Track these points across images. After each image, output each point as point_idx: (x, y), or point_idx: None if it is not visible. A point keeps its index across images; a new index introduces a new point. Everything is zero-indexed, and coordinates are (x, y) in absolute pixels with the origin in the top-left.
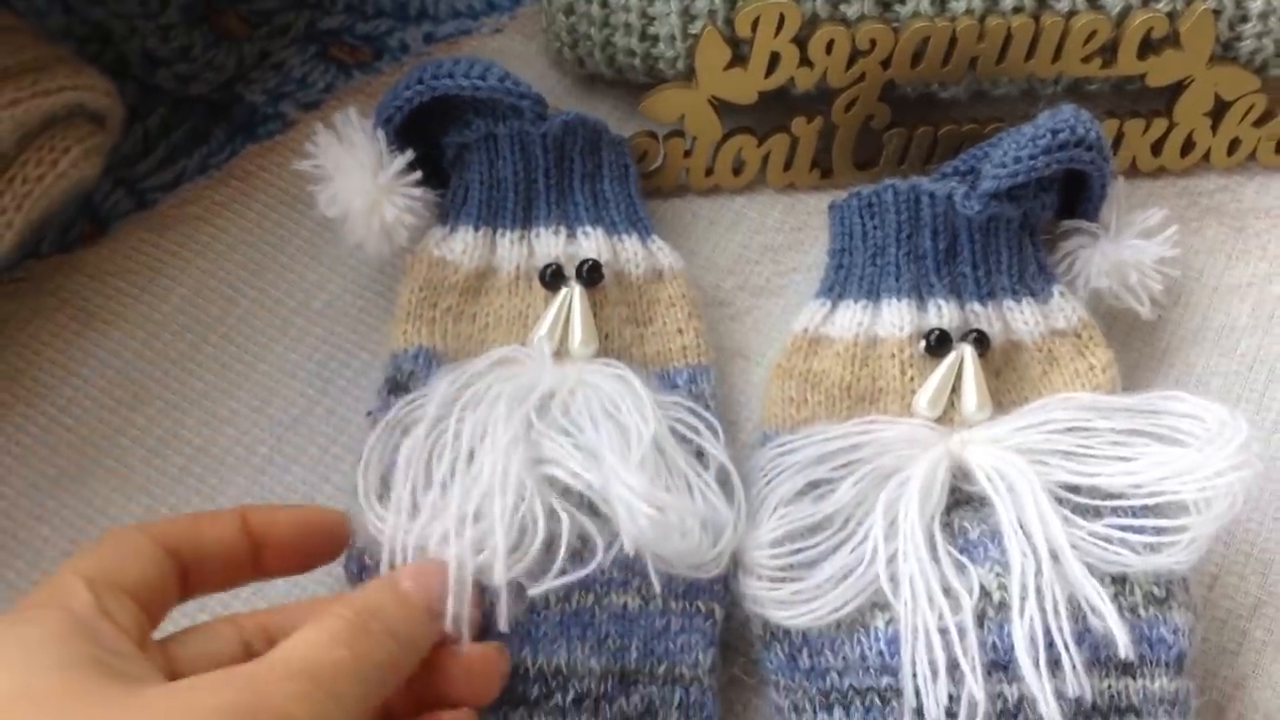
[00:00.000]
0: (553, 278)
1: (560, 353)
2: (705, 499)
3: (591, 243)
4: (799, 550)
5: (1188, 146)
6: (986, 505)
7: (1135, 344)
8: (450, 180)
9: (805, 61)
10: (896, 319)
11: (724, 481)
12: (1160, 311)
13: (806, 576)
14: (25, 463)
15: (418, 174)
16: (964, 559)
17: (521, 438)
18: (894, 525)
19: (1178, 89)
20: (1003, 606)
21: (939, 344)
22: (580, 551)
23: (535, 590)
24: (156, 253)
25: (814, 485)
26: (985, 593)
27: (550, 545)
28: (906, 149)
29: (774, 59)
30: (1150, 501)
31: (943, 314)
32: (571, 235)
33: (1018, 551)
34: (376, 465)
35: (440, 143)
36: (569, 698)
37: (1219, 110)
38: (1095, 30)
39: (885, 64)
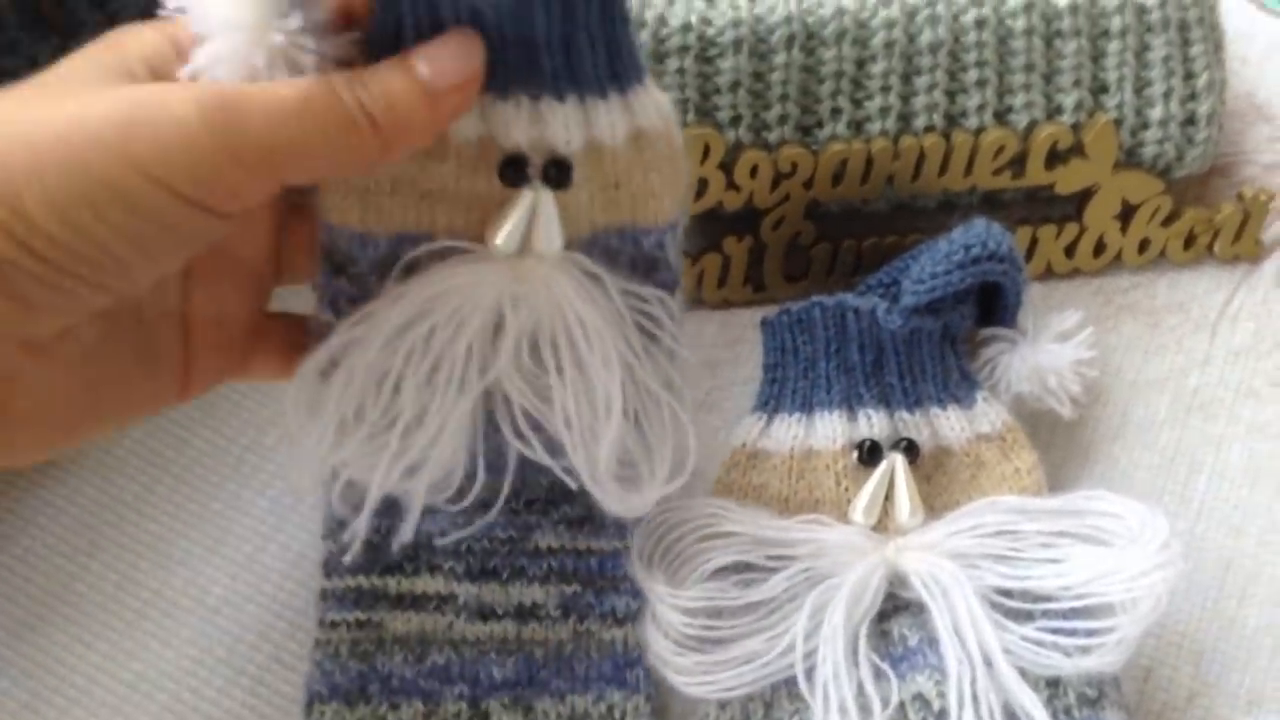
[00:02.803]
0: (514, 172)
1: (523, 251)
2: (675, 419)
3: (560, 118)
4: (712, 628)
5: (1100, 248)
6: (925, 611)
7: (1059, 442)
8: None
9: (732, 185)
10: (830, 431)
11: (672, 358)
12: (1081, 410)
13: (713, 651)
14: None
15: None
16: (885, 667)
17: (478, 397)
18: (818, 626)
19: (1086, 194)
20: (942, 714)
21: (871, 454)
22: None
23: (442, 541)
24: None
25: (746, 566)
26: (925, 701)
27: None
28: (833, 262)
29: (703, 184)
30: (1079, 603)
31: (873, 424)
32: (536, 108)
33: (953, 659)
34: (312, 380)
35: None
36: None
37: (1127, 212)
38: (1003, 145)
39: (807, 184)
